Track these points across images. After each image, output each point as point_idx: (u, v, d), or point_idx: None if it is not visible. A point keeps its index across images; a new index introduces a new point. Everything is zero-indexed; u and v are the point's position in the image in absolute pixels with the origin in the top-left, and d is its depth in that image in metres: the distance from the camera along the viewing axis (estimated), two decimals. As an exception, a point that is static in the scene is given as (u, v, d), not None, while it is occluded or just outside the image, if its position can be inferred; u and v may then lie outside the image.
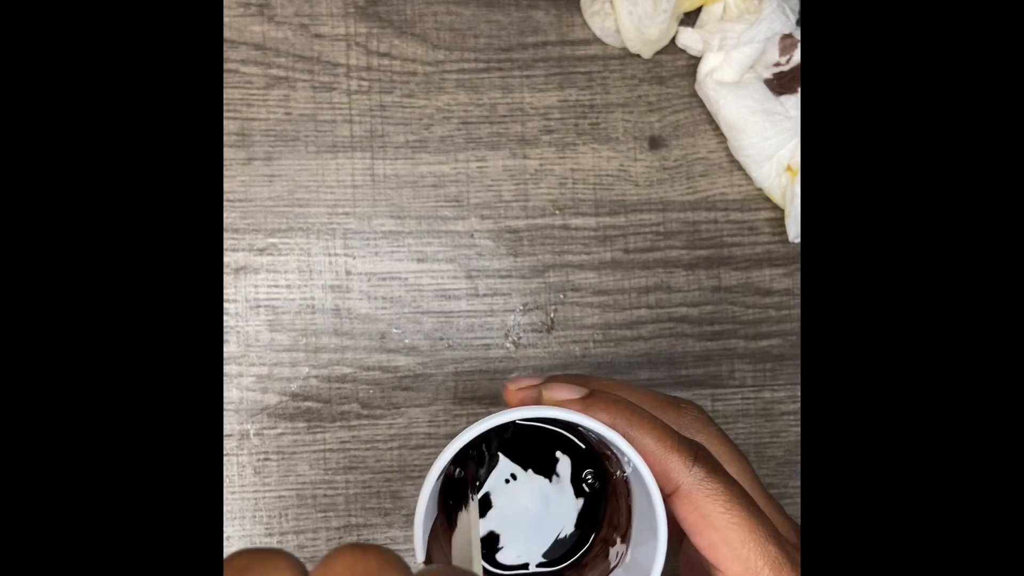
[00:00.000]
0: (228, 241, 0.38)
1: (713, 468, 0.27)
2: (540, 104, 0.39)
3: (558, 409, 0.27)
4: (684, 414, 0.30)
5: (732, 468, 0.29)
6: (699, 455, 0.27)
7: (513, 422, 0.28)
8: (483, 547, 0.30)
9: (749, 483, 0.29)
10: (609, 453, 0.29)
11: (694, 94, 0.40)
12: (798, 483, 0.40)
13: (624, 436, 0.26)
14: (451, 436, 0.39)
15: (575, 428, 0.29)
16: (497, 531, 0.30)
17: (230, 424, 0.37)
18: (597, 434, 0.27)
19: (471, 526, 0.26)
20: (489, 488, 0.31)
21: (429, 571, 0.18)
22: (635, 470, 0.26)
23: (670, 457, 0.26)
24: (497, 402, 0.39)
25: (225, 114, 0.38)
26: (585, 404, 0.27)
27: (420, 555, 0.26)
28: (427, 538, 0.27)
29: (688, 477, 0.26)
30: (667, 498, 0.27)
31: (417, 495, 0.38)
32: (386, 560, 0.17)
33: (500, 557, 0.30)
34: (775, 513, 0.29)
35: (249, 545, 0.37)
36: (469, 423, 0.39)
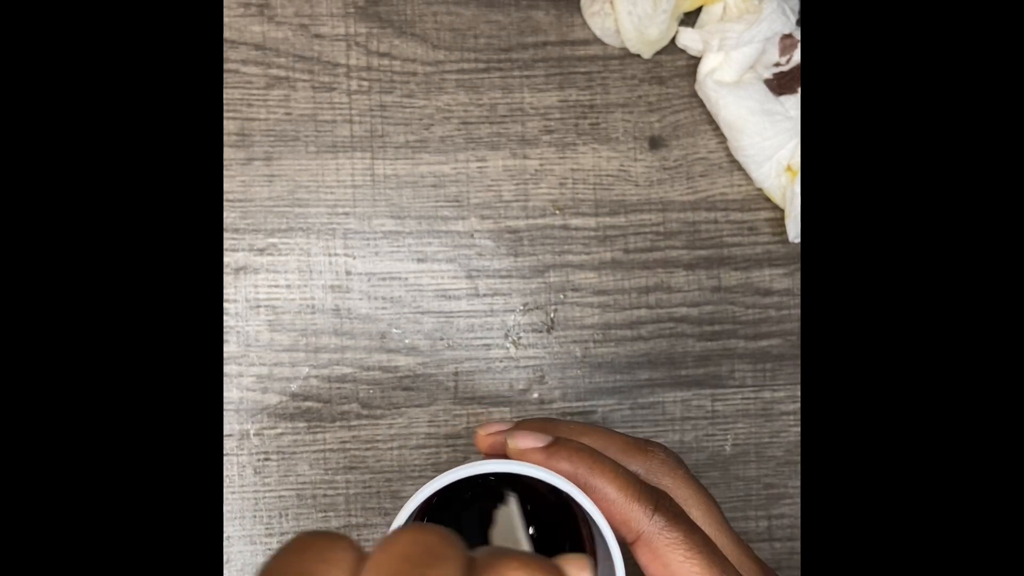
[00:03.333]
0: (228, 241, 0.38)
1: (675, 516, 0.27)
2: (540, 104, 0.39)
3: (518, 464, 0.26)
4: (651, 457, 0.30)
5: (698, 512, 0.29)
6: (659, 503, 0.27)
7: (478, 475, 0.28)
8: None
9: (715, 528, 0.29)
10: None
11: (694, 94, 0.40)
12: (798, 483, 0.40)
13: (586, 485, 0.26)
14: (451, 436, 0.39)
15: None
16: None
17: (230, 424, 0.38)
18: (558, 489, 0.26)
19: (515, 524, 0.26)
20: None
21: (487, 551, 0.18)
22: (595, 523, 0.26)
23: (631, 506, 0.26)
24: (497, 402, 0.39)
25: (225, 114, 0.38)
26: (548, 453, 0.27)
27: None
28: None
29: (649, 526, 0.26)
30: (629, 546, 0.27)
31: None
32: (445, 537, 0.18)
33: None
34: (742, 557, 0.29)
35: (249, 544, 0.37)
36: (468, 423, 0.39)
